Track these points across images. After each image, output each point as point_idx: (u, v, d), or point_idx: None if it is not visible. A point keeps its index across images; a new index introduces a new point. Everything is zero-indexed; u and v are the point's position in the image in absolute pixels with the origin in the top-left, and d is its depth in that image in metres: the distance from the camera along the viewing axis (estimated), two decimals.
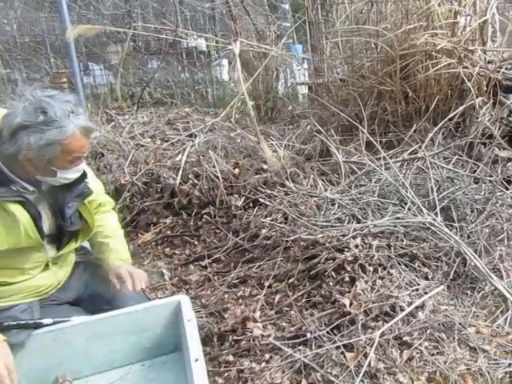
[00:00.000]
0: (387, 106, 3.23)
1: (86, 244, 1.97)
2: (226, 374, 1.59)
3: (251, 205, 2.71)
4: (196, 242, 2.60)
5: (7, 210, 1.32)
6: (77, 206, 1.50)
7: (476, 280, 1.94)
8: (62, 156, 1.30)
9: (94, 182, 1.63)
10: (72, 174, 1.40)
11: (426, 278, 1.92)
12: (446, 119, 2.96)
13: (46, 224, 1.48)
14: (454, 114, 2.98)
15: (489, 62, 3.20)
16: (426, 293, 1.78)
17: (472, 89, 2.94)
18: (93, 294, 1.69)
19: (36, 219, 1.39)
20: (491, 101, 3.03)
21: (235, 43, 2.82)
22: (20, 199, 1.33)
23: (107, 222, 1.74)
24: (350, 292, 1.78)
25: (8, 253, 1.37)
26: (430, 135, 2.89)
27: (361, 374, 1.48)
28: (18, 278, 1.45)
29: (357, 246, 1.97)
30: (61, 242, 1.53)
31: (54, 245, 1.53)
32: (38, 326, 1.46)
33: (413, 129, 3.02)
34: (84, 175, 1.49)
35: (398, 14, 3.24)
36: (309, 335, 1.65)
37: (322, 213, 2.33)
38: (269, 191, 2.67)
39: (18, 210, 1.34)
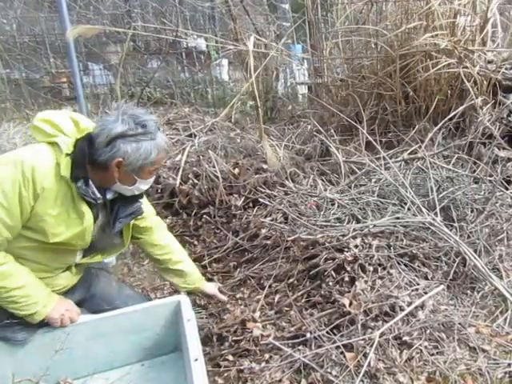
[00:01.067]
0: (387, 106, 3.23)
1: None
2: (225, 374, 1.59)
3: (251, 205, 2.71)
4: (196, 242, 2.60)
5: (79, 207, 1.40)
6: (126, 223, 1.56)
7: (476, 280, 1.94)
8: (148, 166, 1.41)
9: (146, 204, 1.71)
10: (145, 186, 1.50)
11: (426, 278, 1.92)
12: (446, 119, 2.96)
13: (94, 232, 1.51)
14: (453, 113, 2.98)
15: (489, 62, 3.20)
16: (425, 293, 1.78)
17: (472, 89, 2.94)
18: (94, 294, 1.70)
19: (94, 225, 1.47)
20: (492, 101, 3.03)
21: (249, 39, 2.81)
22: (93, 202, 1.40)
23: (173, 246, 1.82)
24: (349, 292, 1.77)
25: (51, 248, 1.42)
26: (430, 135, 2.89)
27: (360, 374, 1.48)
28: (41, 275, 1.48)
29: (356, 246, 1.97)
30: (90, 250, 1.57)
31: (83, 251, 1.57)
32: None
33: (414, 129, 3.02)
34: (141, 195, 1.57)
35: (398, 14, 3.24)
36: (308, 335, 1.65)
37: (322, 213, 2.33)
38: (268, 191, 2.67)
39: (87, 211, 1.42)
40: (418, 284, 1.84)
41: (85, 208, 1.41)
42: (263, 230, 2.37)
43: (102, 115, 4.26)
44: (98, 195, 1.42)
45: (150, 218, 1.75)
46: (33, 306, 1.40)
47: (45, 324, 1.47)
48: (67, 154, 1.34)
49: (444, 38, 2.99)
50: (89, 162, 1.36)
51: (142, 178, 1.44)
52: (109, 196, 1.49)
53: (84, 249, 1.55)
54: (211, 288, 1.91)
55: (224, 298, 1.94)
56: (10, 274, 1.35)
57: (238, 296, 2.02)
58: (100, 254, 1.61)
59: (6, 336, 1.44)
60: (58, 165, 1.33)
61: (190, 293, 1.85)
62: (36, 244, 1.39)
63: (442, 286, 1.84)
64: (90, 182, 1.38)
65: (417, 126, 3.05)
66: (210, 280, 2.22)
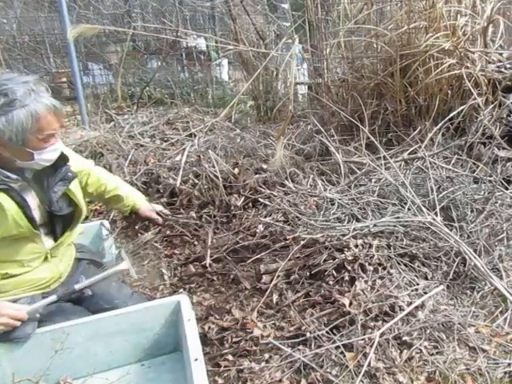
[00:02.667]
0: (388, 106, 3.23)
1: (86, 242, 1.99)
2: (225, 374, 1.59)
3: (251, 205, 2.71)
4: (196, 242, 2.60)
5: None
6: (62, 191, 1.51)
7: (476, 280, 1.94)
8: (33, 136, 1.31)
9: (80, 162, 1.75)
10: (49, 155, 1.41)
11: (426, 278, 1.92)
12: (446, 119, 2.96)
13: (37, 213, 1.48)
14: (454, 113, 2.98)
15: (489, 62, 3.20)
16: (425, 293, 1.78)
17: (472, 89, 2.94)
18: (93, 293, 1.70)
19: (24, 207, 1.40)
20: (493, 101, 3.03)
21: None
22: (4, 187, 1.35)
23: (104, 179, 1.86)
24: (349, 292, 1.77)
25: (3, 243, 1.39)
26: (430, 135, 2.89)
27: (360, 374, 1.48)
28: (17, 271, 1.46)
29: (357, 246, 1.97)
30: (56, 232, 1.54)
31: (51, 236, 1.54)
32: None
33: (416, 130, 3.02)
34: (65, 159, 1.51)
35: (398, 14, 3.24)
36: (308, 335, 1.64)
37: (322, 212, 2.33)
38: (268, 191, 2.67)
39: (3, 199, 1.35)
40: (418, 284, 1.84)
41: (2, 197, 1.35)
42: (263, 230, 2.37)
43: (101, 115, 4.26)
44: (14, 176, 1.37)
45: (93, 170, 1.79)
46: None
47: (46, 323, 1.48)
48: None
49: (445, 38, 2.98)
50: None
51: (36, 149, 1.35)
52: (27, 173, 1.44)
53: (48, 233, 1.52)
54: (146, 208, 1.92)
55: (159, 219, 1.94)
56: None
57: (237, 296, 2.02)
58: (69, 230, 1.59)
59: (7, 334, 1.43)
60: None
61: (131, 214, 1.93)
62: None
63: (441, 286, 1.84)
64: None
65: (421, 127, 3.04)
66: (210, 281, 2.22)
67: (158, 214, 1.95)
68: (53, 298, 1.53)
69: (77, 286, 1.58)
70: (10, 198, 1.36)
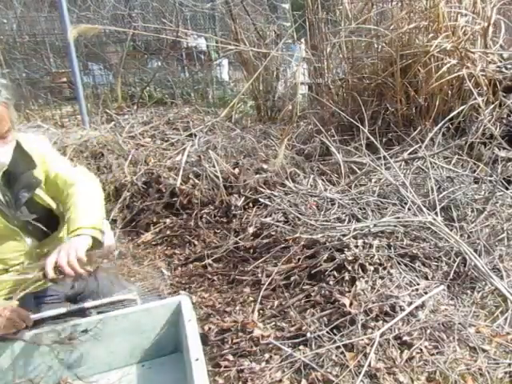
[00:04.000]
0: (388, 106, 3.23)
1: None
2: (225, 374, 1.59)
3: (251, 205, 2.71)
4: (196, 242, 2.60)
5: None
6: (26, 198, 1.41)
7: (476, 280, 1.94)
8: None
9: (48, 164, 1.51)
10: (3, 151, 1.29)
11: (426, 278, 1.92)
12: (447, 119, 2.96)
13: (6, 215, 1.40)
14: (454, 113, 2.98)
15: (489, 63, 3.20)
16: (425, 293, 1.78)
17: (473, 89, 2.94)
18: (92, 291, 1.69)
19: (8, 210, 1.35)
20: (493, 101, 3.03)
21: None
22: None
23: (73, 193, 1.49)
24: (350, 292, 1.77)
25: None
26: (430, 135, 2.88)
27: (361, 374, 1.48)
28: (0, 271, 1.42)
29: (357, 246, 1.97)
30: (38, 232, 1.48)
31: (33, 235, 1.48)
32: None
33: (417, 130, 3.02)
34: (29, 166, 1.41)
35: (399, 14, 3.24)
36: (309, 335, 1.65)
37: (322, 213, 2.33)
38: (269, 191, 2.67)
39: None
40: (419, 284, 1.84)
41: None
42: (264, 230, 2.37)
43: (102, 115, 4.26)
44: None
45: (65, 176, 1.52)
46: None
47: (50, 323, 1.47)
48: None
49: (446, 38, 2.98)
50: None
51: None
52: None
53: (29, 233, 1.45)
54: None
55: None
56: None
57: (237, 296, 2.02)
58: (56, 231, 1.54)
59: (9, 336, 1.43)
60: None
61: None
62: None
63: (442, 286, 1.84)
64: None
65: (421, 127, 3.04)
66: (210, 281, 2.22)
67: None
68: (62, 310, 1.52)
69: (86, 305, 1.57)
70: None
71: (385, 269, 1.89)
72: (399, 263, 1.94)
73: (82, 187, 1.49)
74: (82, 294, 1.68)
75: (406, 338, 1.61)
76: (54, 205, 1.55)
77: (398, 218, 2.14)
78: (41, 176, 1.49)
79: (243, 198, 2.73)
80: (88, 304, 1.57)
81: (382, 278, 1.84)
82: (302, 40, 3.95)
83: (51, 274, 1.22)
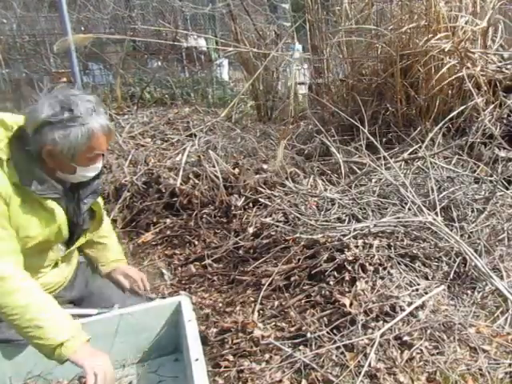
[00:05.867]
0: (388, 106, 3.23)
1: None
2: (225, 374, 1.59)
3: (251, 205, 2.71)
4: (196, 242, 2.60)
5: (46, 206, 1.37)
6: (91, 203, 1.53)
7: (476, 280, 1.94)
8: (83, 153, 1.34)
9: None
10: (90, 172, 1.44)
11: (426, 278, 1.91)
12: (447, 119, 2.96)
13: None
14: (454, 113, 2.97)
15: (489, 63, 3.20)
16: (426, 293, 1.78)
17: (472, 89, 2.94)
18: (91, 292, 1.71)
19: (71, 218, 1.46)
20: (493, 101, 3.03)
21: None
22: (56, 196, 1.38)
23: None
24: (350, 292, 1.77)
25: (29, 252, 1.40)
26: (431, 135, 2.88)
27: (361, 374, 1.48)
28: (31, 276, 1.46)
29: (357, 246, 1.96)
30: (70, 239, 1.55)
31: (65, 244, 1.55)
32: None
33: (417, 130, 3.02)
34: (100, 172, 1.52)
35: (399, 15, 3.24)
36: (309, 335, 1.64)
37: (322, 213, 2.33)
38: (269, 191, 2.66)
39: (55, 206, 1.40)
40: (419, 284, 1.84)
41: (53, 205, 1.39)
42: (264, 230, 2.37)
43: None
44: (59, 186, 1.39)
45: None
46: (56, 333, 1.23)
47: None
48: (8, 160, 1.30)
49: (446, 39, 2.98)
50: (33, 157, 1.32)
51: (80, 165, 1.37)
52: (67, 184, 1.46)
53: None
54: (124, 270, 1.74)
55: (126, 284, 1.73)
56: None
57: (238, 296, 2.02)
58: (83, 237, 1.60)
59: (11, 337, 1.42)
60: (6, 173, 1.29)
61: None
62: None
63: (442, 286, 1.84)
64: (45, 177, 1.35)
65: (421, 127, 3.04)
66: (211, 281, 2.22)
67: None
68: (92, 311, 1.58)
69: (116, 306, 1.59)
70: (60, 207, 1.41)
71: (385, 269, 1.89)
72: (399, 263, 1.94)
73: (107, 218, 1.83)
74: (85, 298, 1.69)
75: (406, 338, 1.61)
76: (102, 213, 1.64)
77: (398, 218, 2.14)
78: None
79: (243, 198, 2.73)
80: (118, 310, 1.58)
81: (382, 278, 1.84)
82: (295, 40, 3.96)
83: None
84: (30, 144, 1.30)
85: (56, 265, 1.56)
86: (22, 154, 1.31)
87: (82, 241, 1.60)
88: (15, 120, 1.36)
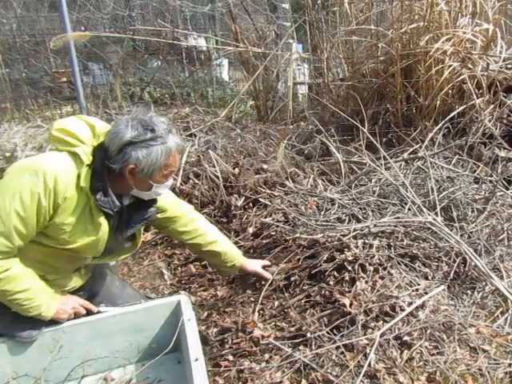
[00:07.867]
0: (388, 106, 3.23)
1: None
2: (225, 374, 1.59)
3: (251, 205, 2.71)
4: None
5: (96, 218, 1.42)
6: (138, 229, 1.57)
7: (476, 280, 1.93)
8: (159, 170, 1.41)
9: (168, 195, 1.72)
10: (163, 189, 1.51)
11: (426, 278, 1.91)
12: (447, 119, 2.96)
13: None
14: (454, 113, 2.97)
15: (489, 63, 3.20)
16: (426, 293, 1.78)
17: (472, 90, 2.94)
18: (97, 292, 1.72)
19: (113, 235, 1.49)
20: (493, 101, 3.03)
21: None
22: (108, 211, 1.41)
23: (201, 229, 1.84)
24: (350, 292, 1.77)
25: (64, 254, 1.43)
26: (431, 135, 2.88)
27: (361, 374, 1.48)
28: (52, 276, 1.50)
29: (357, 246, 1.96)
30: (101, 254, 1.57)
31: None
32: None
33: (417, 130, 3.01)
34: (154, 200, 1.56)
35: (400, 15, 3.24)
36: (309, 335, 1.64)
37: (322, 213, 2.33)
38: (269, 191, 2.66)
39: (104, 222, 1.44)
40: (419, 284, 1.84)
41: (102, 219, 1.43)
42: (264, 230, 2.37)
43: (102, 115, 4.26)
44: (117, 203, 1.43)
45: (171, 209, 1.75)
46: (36, 308, 1.41)
47: (51, 323, 1.48)
48: (87, 165, 1.35)
49: (447, 41, 2.98)
50: (106, 171, 1.38)
51: (157, 182, 1.45)
52: (126, 202, 1.51)
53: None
54: (253, 265, 1.93)
55: (268, 275, 1.93)
56: (14, 278, 1.35)
57: (238, 296, 2.02)
58: (110, 257, 1.62)
59: (13, 334, 1.45)
60: (78, 176, 1.34)
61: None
62: (50, 250, 1.41)
63: (442, 286, 1.84)
64: (110, 192, 1.40)
65: (422, 127, 3.04)
66: (210, 281, 2.22)
67: (263, 268, 1.96)
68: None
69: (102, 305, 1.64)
70: (107, 223, 1.45)
71: (385, 269, 1.89)
72: (399, 263, 1.94)
73: (204, 220, 1.96)
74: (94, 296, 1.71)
75: (406, 338, 1.61)
76: (140, 240, 1.67)
77: (398, 218, 2.13)
78: None
79: (243, 198, 2.73)
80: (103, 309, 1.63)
81: (382, 278, 1.84)
82: (292, 41, 3.96)
83: (269, 275, 1.95)
84: (112, 161, 1.36)
85: (78, 269, 1.60)
86: (101, 164, 1.37)
87: (107, 259, 1.63)
88: (103, 130, 1.42)
